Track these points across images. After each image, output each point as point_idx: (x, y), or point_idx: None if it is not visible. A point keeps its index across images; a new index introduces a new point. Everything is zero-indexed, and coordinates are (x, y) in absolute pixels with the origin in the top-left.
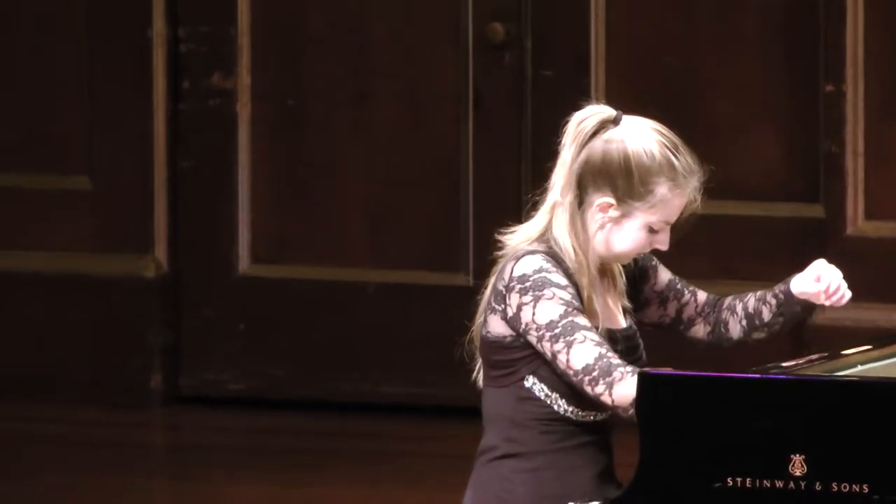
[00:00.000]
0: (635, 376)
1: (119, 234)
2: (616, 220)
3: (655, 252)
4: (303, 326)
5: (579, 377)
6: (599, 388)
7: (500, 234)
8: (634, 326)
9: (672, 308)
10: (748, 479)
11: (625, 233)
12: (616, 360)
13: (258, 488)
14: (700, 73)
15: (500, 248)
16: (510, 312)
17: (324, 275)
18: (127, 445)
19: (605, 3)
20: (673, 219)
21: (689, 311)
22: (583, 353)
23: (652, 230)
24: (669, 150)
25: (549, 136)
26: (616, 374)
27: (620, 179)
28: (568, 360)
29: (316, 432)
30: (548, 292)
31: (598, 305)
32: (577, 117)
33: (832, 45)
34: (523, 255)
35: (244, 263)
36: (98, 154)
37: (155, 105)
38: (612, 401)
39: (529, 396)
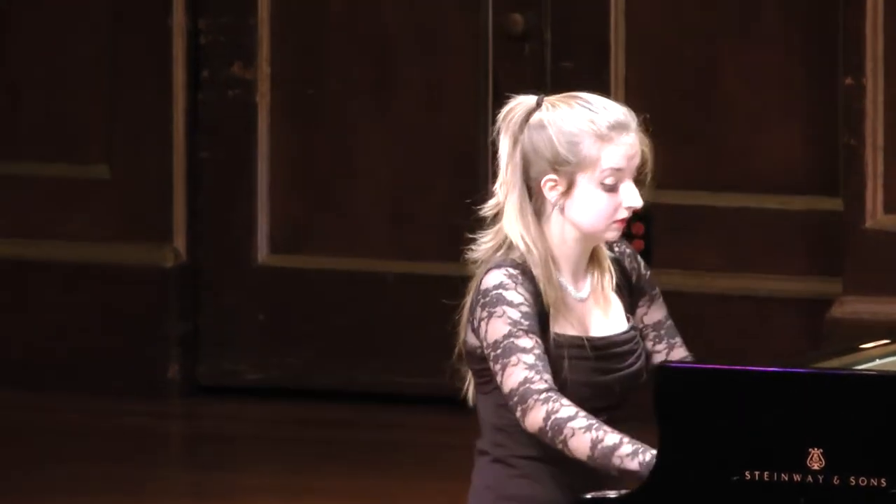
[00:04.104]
0: (547, 404)
1: (138, 224)
2: (566, 193)
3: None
4: (321, 316)
5: (508, 402)
6: (518, 413)
7: (467, 250)
8: (632, 331)
9: (646, 347)
10: (766, 473)
11: (580, 201)
12: (536, 387)
13: (276, 478)
14: (719, 64)
15: (468, 263)
16: (475, 325)
17: (343, 265)
18: (145, 435)
19: None
20: (620, 167)
21: (655, 359)
22: (511, 376)
23: (607, 188)
24: (587, 109)
25: None
26: (530, 402)
27: (549, 154)
28: (501, 383)
29: (334, 422)
30: (499, 310)
31: (576, 308)
32: (503, 112)
33: (852, 38)
34: (490, 270)
35: (263, 253)
36: (118, 144)
37: (175, 95)
38: (525, 425)
39: (507, 403)
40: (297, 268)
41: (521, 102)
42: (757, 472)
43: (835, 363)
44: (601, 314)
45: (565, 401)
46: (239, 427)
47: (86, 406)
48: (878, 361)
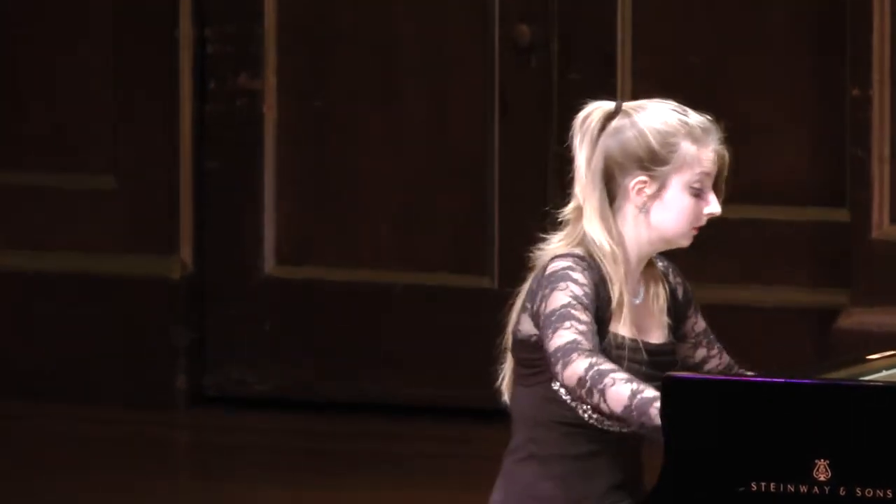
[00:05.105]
0: (591, 357)
1: (145, 235)
2: (655, 195)
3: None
4: (328, 327)
5: (551, 359)
6: (558, 367)
7: (533, 250)
8: (672, 346)
9: (700, 354)
10: (772, 484)
11: (669, 205)
12: (585, 346)
13: (282, 489)
14: (726, 76)
15: (532, 261)
16: (535, 307)
17: (349, 276)
18: (151, 445)
19: (632, 4)
20: (709, 171)
21: (711, 364)
22: (561, 337)
23: (695, 192)
24: (677, 112)
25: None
26: (573, 356)
27: (644, 153)
28: (548, 345)
29: (340, 433)
30: (562, 284)
31: (632, 312)
32: (579, 118)
33: (858, 50)
34: (555, 258)
35: (269, 264)
36: (124, 154)
37: (181, 105)
38: (563, 378)
39: (555, 398)
40: (304, 278)
41: (598, 107)
42: (763, 484)
43: (841, 374)
44: (652, 321)
45: (608, 359)
46: (245, 437)
47: (92, 416)
48: (884, 373)
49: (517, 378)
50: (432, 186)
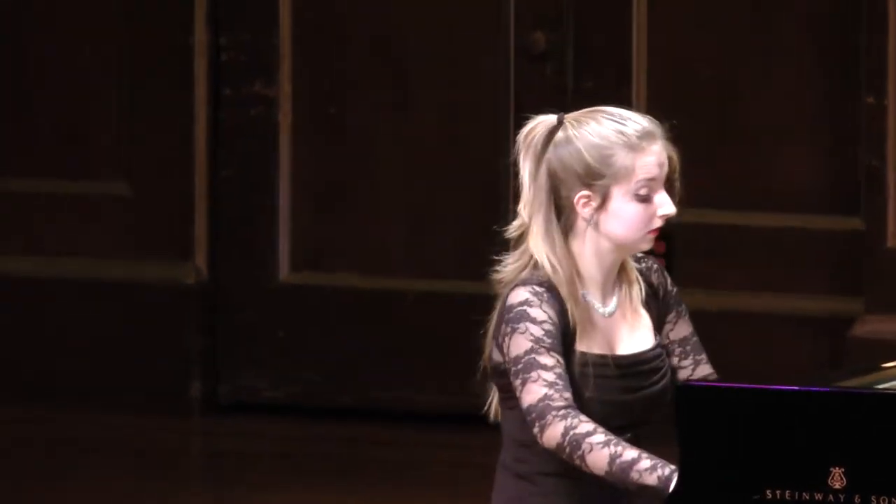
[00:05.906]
0: (566, 420)
1: (159, 241)
2: (600, 208)
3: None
4: (341, 334)
5: (526, 417)
6: (535, 430)
7: (493, 271)
8: (659, 348)
9: (672, 363)
10: (787, 492)
11: (615, 214)
12: (555, 404)
13: (294, 496)
14: (741, 84)
15: (495, 284)
16: (499, 340)
17: (363, 283)
18: (165, 452)
19: (647, 14)
20: (652, 176)
21: (681, 375)
22: (531, 393)
23: (641, 199)
24: (613, 121)
25: None
26: (548, 418)
27: (581, 169)
28: (520, 398)
29: (353, 440)
30: (522, 326)
31: (602, 325)
32: (521, 134)
33: (874, 58)
34: (515, 287)
35: (284, 271)
36: (139, 161)
37: (196, 113)
38: (541, 441)
39: (526, 419)
40: (318, 285)
41: (541, 122)
42: (778, 491)
43: (856, 382)
44: (628, 330)
45: (584, 417)
46: (258, 444)
47: (106, 423)
48: None
49: (500, 401)
50: (446, 193)
